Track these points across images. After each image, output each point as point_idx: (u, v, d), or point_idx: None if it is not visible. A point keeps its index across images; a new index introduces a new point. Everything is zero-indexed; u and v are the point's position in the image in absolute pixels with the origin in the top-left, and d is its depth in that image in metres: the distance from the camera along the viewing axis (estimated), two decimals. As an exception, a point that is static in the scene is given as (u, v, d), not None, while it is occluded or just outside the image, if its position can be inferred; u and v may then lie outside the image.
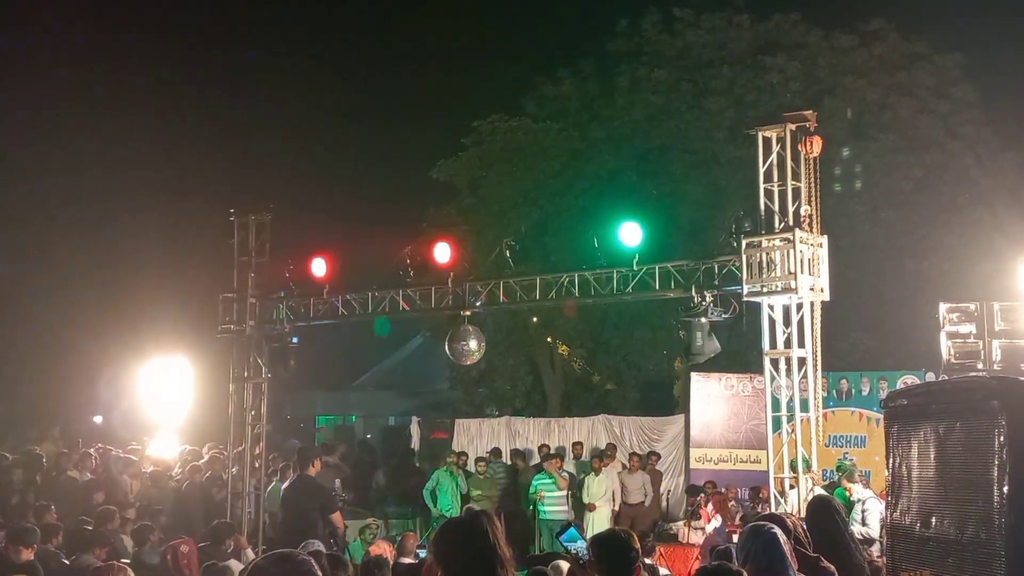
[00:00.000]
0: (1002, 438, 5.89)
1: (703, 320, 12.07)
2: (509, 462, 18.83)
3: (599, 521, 16.35)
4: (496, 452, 19.11)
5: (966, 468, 6.17)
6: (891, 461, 6.81)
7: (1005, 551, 5.78)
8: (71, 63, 26.78)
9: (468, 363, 15.46)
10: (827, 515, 6.02)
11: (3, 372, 24.55)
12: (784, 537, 5.26)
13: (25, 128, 26.71)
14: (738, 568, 4.70)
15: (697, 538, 15.03)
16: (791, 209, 11.56)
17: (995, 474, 5.89)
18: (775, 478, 11.68)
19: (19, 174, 26.41)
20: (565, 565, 7.55)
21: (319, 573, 3.62)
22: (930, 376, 14.53)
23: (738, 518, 14.65)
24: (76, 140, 26.96)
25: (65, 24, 27.66)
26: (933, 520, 6.36)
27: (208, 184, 26.06)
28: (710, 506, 15.11)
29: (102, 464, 16.43)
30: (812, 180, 11.65)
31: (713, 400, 18.08)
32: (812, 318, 11.60)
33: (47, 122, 27.13)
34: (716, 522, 14.54)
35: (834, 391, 16.73)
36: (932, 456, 6.43)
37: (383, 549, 11.49)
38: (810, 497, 10.09)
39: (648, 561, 8.95)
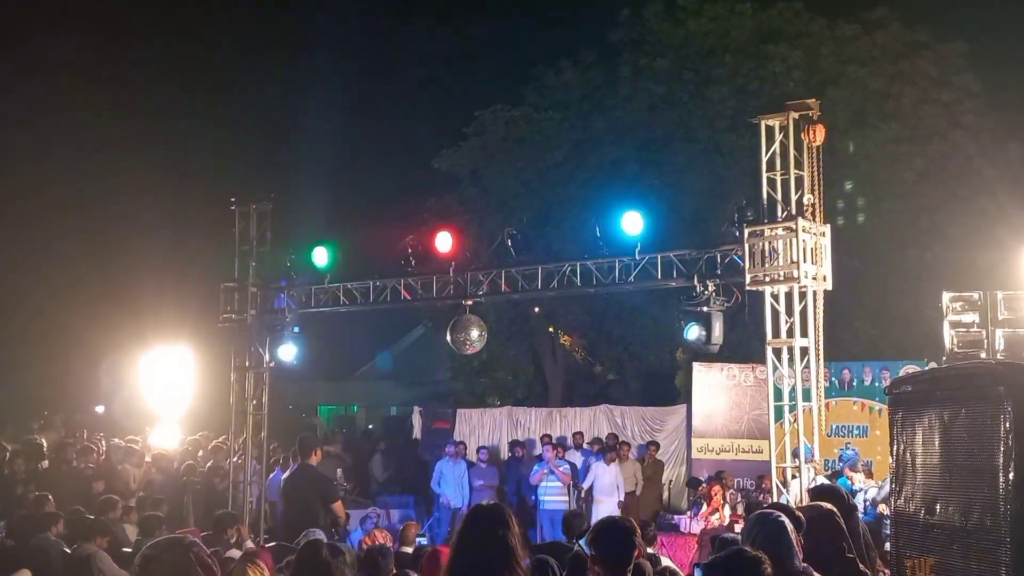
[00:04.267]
0: (1008, 424, 5.84)
1: (705, 310, 12.05)
2: (507, 455, 18.86)
3: (604, 514, 16.34)
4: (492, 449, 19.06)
5: (971, 455, 6.12)
6: (895, 448, 6.76)
7: (1011, 537, 5.74)
8: (72, 55, 26.72)
9: (470, 353, 15.44)
10: (825, 531, 5.73)
11: (4, 361, 24.54)
12: (791, 526, 5.22)
13: (27, 117, 26.68)
14: (755, 553, 4.62)
15: (699, 527, 15.04)
16: (794, 198, 11.52)
17: (1000, 460, 5.84)
18: (777, 468, 11.66)
19: (21, 164, 26.40)
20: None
21: (209, 555, 3.61)
22: (932, 366, 14.49)
23: (740, 507, 14.65)
24: (78, 126, 26.93)
25: (68, 12, 27.63)
26: (938, 507, 6.32)
27: (210, 173, 26.07)
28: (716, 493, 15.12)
29: (105, 454, 16.46)
30: (815, 169, 11.62)
31: (715, 390, 18.06)
32: (814, 307, 11.56)
33: (49, 111, 27.09)
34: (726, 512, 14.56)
35: (836, 381, 16.72)
36: (937, 443, 6.39)
37: (377, 539, 11.45)
38: (812, 486, 10.06)
39: (650, 551, 8.92)
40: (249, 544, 11.24)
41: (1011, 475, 5.81)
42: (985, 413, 6.07)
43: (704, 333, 12.05)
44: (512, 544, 4.52)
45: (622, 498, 16.70)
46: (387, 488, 19.56)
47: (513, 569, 4.50)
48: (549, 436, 18.57)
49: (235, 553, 9.73)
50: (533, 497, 16.84)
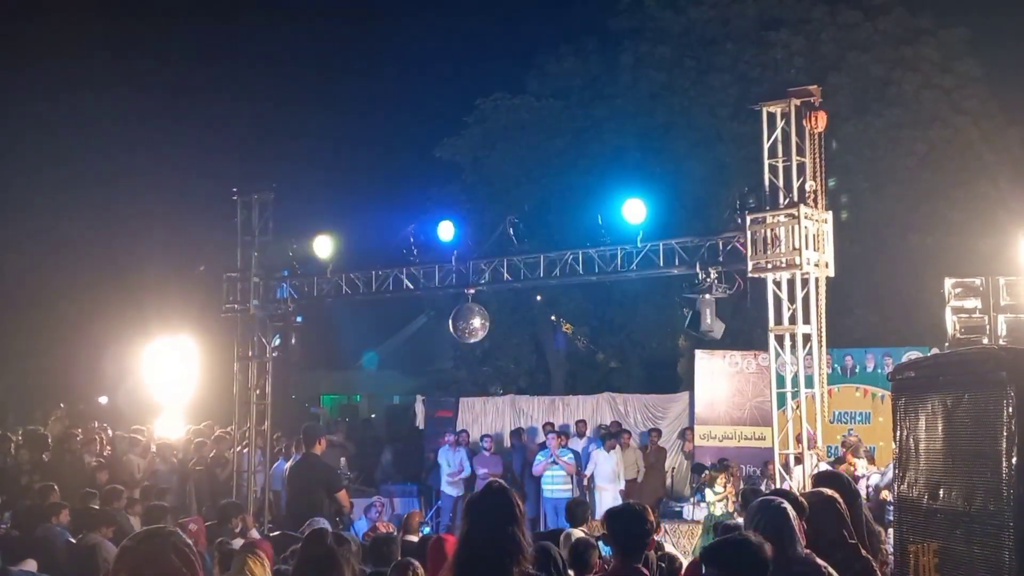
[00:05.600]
0: (1011, 409, 5.84)
1: (708, 297, 12.06)
2: (508, 444, 18.90)
3: (607, 501, 16.43)
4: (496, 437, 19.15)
5: (974, 440, 6.12)
6: (898, 433, 6.77)
7: (1014, 522, 5.75)
8: (76, 46, 26.68)
9: (472, 341, 15.46)
10: (826, 517, 5.78)
11: (8, 352, 24.58)
12: (794, 513, 5.24)
13: (31, 110, 26.68)
14: (745, 535, 4.66)
15: (702, 514, 15.07)
16: (795, 185, 11.53)
17: (1004, 445, 5.85)
18: (779, 454, 11.69)
19: (24, 155, 26.41)
20: (577, 533, 7.58)
21: (188, 545, 3.64)
22: (935, 352, 14.50)
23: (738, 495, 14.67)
24: (81, 120, 26.92)
25: (70, 4, 27.62)
26: (941, 492, 6.33)
27: (211, 163, 26.04)
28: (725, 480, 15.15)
29: (110, 444, 16.49)
30: (817, 155, 11.63)
31: (717, 378, 18.03)
32: (816, 294, 11.60)
33: (52, 103, 27.09)
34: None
35: (838, 367, 16.71)
36: (940, 428, 6.40)
37: (381, 531, 11.49)
38: (815, 473, 10.10)
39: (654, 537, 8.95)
40: (254, 533, 11.28)
41: (1014, 460, 5.82)
42: (988, 398, 6.07)
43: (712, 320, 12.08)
44: (518, 532, 4.56)
45: (623, 486, 16.76)
46: (390, 477, 19.63)
47: (519, 556, 4.53)
48: (551, 424, 18.59)
49: (239, 542, 9.77)
50: (533, 485, 16.90)
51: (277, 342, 15.35)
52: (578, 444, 17.72)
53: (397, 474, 19.90)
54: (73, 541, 10.23)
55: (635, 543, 5.34)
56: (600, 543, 7.04)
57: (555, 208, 20.93)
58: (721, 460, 16.53)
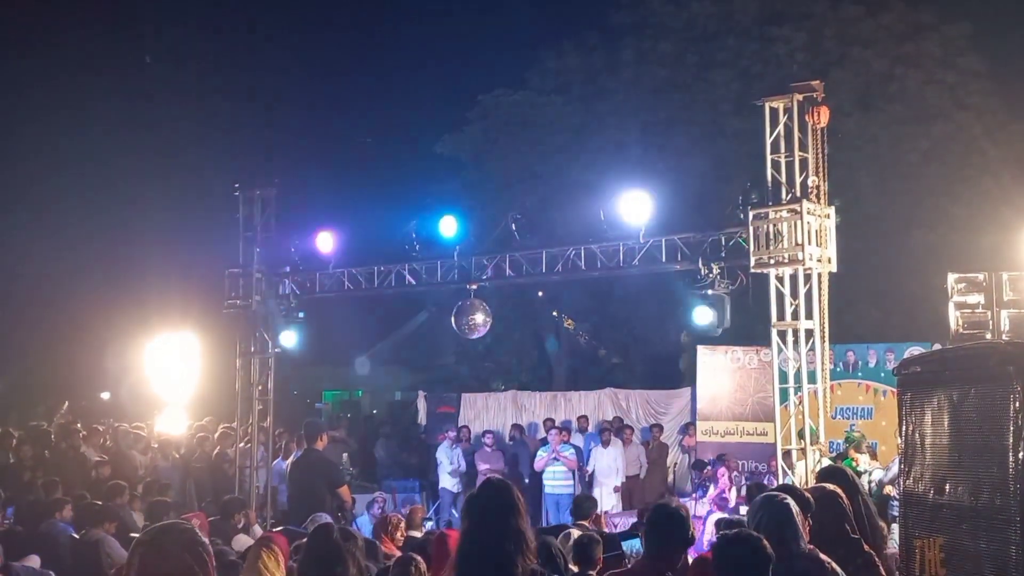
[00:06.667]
0: (1017, 404, 5.81)
1: (709, 292, 12.07)
2: (508, 440, 18.92)
3: (605, 497, 16.44)
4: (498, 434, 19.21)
5: (980, 434, 6.10)
6: (904, 428, 6.75)
7: (1020, 517, 5.73)
8: (76, 40, 26.69)
9: (474, 337, 15.47)
10: (829, 512, 5.79)
11: (10, 348, 24.58)
12: (797, 509, 5.24)
13: (31, 105, 26.67)
14: (758, 535, 4.66)
15: (704, 510, 15.08)
16: (798, 180, 11.52)
17: (1010, 440, 5.82)
18: (782, 450, 11.69)
19: (26, 151, 26.40)
20: (575, 532, 7.59)
21: (202, 542, 3.64)
22: (937, 347, 14.48)
23: (743, 490, 14.68)
24: (82, 116, 26.92)
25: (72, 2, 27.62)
26: (947, 487, 6.31)
27: (213, 159, 26.06)
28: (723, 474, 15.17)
29: (112, 439, 16.48)
30: (819, 151, 11.61)
31: (719, 373, 18.02)
32: (819, 290, 11.58)
33: (53, 99, 27.09)
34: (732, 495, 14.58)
35: (841, 363, 16.69)
36: (946, 423, 6.37)
37: (393, 522, 11.46)
38: (818, 469, 10.11)
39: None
40: (257, 529, 11.28)
41: (1020, 454, 5.79)
42: (994, 393, 6.04)
43: (715, 316, 12.07)
44: (522, 525, 4.55)
45: (621, 481, 16.76)
46: (392, 472, 19.62)
47: (523, 548, 4.52)
48: (552, 420, 18.58)
49: (242, 538, 9.79)
50: (534, 481, 16.90)
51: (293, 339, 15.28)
52: (580, 440, 17.72)
53: (395, 467, 19.88)
54: (76, 537, 10.23)
55: (672, 547, 5.31)
56: (631, 540, 7.01)
57: (557, 204, 20.92)
58: (720, 456, 16.54)
